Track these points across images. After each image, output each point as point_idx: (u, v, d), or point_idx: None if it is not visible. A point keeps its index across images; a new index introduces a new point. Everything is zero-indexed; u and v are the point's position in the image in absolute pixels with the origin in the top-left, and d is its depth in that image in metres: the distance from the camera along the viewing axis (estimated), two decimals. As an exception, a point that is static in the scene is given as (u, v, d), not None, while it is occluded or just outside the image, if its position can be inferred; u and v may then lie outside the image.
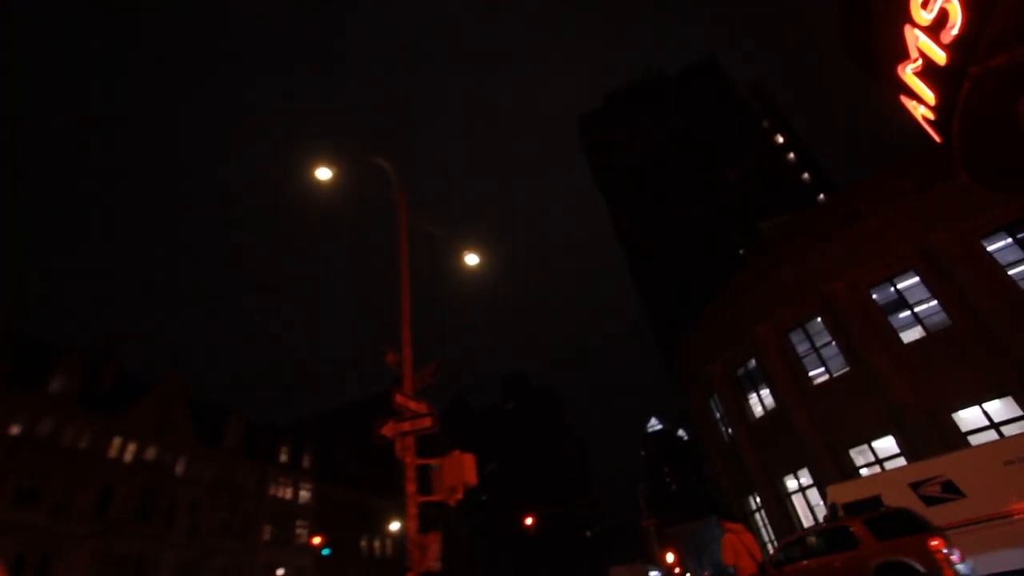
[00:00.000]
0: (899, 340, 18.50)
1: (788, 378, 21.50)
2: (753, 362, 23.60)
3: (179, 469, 39.28)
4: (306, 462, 52.18)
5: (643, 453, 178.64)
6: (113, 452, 35.13)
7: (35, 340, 36.68)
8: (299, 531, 48.28)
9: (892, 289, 19.11)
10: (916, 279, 18.63)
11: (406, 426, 8.58)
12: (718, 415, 27.13)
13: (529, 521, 53.14)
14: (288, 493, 48.72)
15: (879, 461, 18.31)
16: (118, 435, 35.70)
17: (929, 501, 12.23)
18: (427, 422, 8.63)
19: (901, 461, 17.44)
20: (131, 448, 36.36)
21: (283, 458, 49.52)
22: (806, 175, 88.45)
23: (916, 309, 18.44)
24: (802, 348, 21.43)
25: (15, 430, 30.41)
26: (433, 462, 8.87)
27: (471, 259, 11.61)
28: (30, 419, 31.28)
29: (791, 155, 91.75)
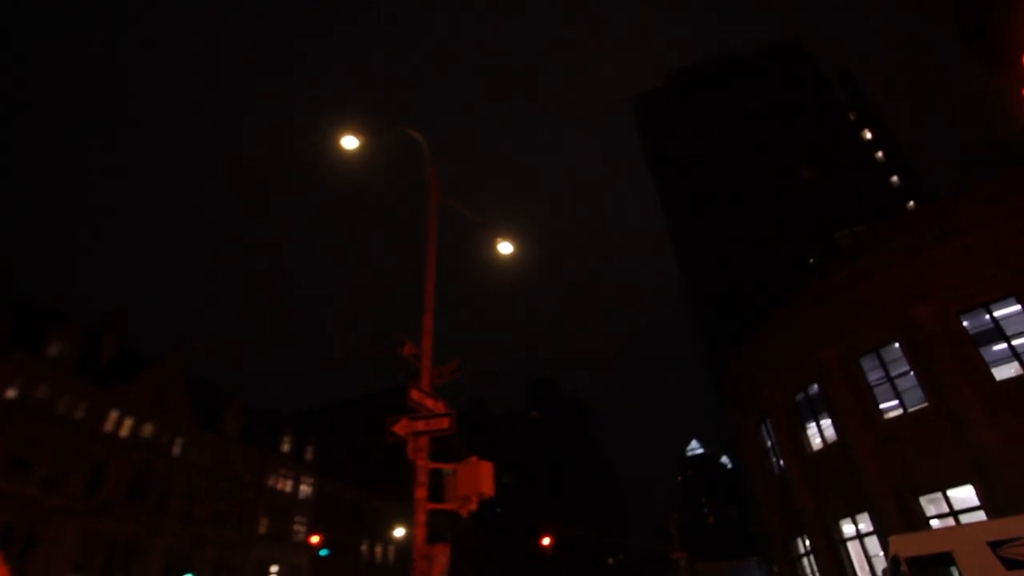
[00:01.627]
0: (991, 376, 17.81)
1: (855, 409, 20.95)
2: (815, 387, 23.07)
3: (176, 451, 40.45)
4: (309, 454, 53.18)
5: (680, 478, 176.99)
6: (109, 426, 36.37)
7: (37, 303, 38.17)
8: (297, 527, 49.29)
9: (987, 317, 18.39)
10: (1017, 307, 17.87)
11: (421, 425, 8.64)
12: (769, 444, 26.65)
13: (547, 541, 53.17)
14: (288, 486, 49.74)
15: (954, 513, 17.71)
16: (115, 409, 36.94)
17: (1011, 564, 11.76)
18: (444, 423, 8.68)
19: (981, 515, 16.83)
20: (127, 424, 37.58)
21: (285, 448, 50.57)
22: (895, 178, 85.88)
23: (1014, 342, 17.71)
24: (874, 376, 20.84)
25: (11, 393, 31.72)
26: (447, 467, 8.91)
27: (505, 248, 11.60)
28: (26, 383, 32.59)
29: (879, 154, 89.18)
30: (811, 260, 77.86)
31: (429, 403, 8.97)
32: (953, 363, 18.45)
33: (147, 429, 38.76)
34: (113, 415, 36.88)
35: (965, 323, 18.74)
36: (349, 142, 10.96)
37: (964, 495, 17.78)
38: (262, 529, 45.74)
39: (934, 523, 17.98)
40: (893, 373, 20.29)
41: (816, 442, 23.37)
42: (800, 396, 24.21)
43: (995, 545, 12.25)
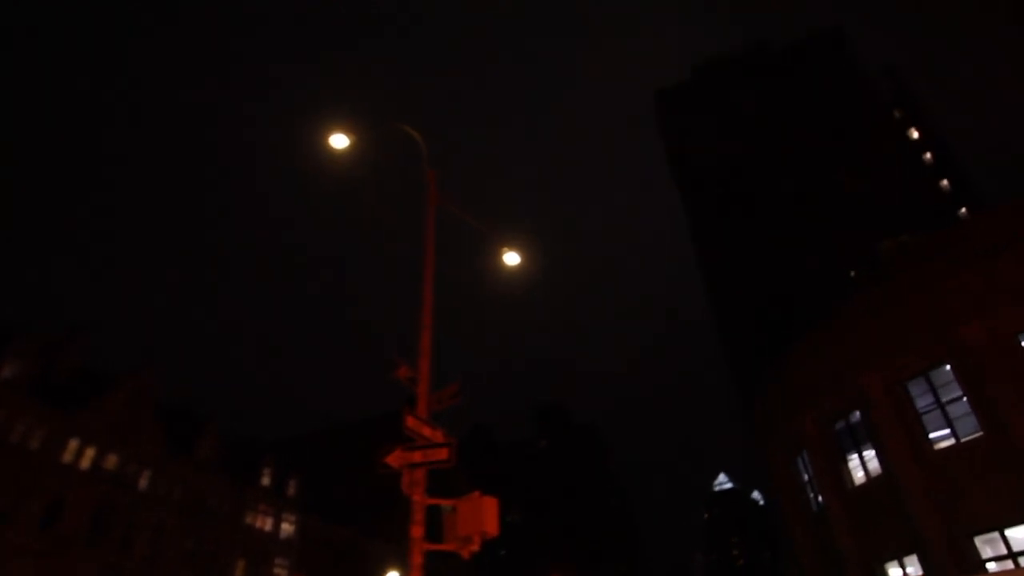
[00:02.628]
0: (1052, 403, 17.73)
1: (902, 439, 20.85)
2: (857, 415, 22.98)
3: (142, 483, 40.46)
4: (292, 488, 53.07)
5: (706, 516, 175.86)
6: (68, 456, 36.42)
7: (-9, 315, 38.41)
8: (278, 570, 49.12)
9: (1048, 337, 18.34)
10: (1081, 326, 17.84)
11: (417, 456, 8.60)
12: (806, 477, 26.52)
13: (557, 587, 52.74)
14: (268, 523, 49.62)
15: (1013, 555, 17.57)
16: (75, 436, 36.99)
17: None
18: (442, 454, 8.63)
19: (1043, 559, 16.70)
20: (89, 453, 37.63)
21: (265, 481, 50.49)
22: (945, 182, 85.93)
23: (1078, 365, 17.65)
24: (923, 403, 20.75)
25: (-41, 419, 31.83)
26: (446, 503, 8.91)
27: (511, 258, 11.66)
28: (-23, 407, 32.71)
29: (927, 156, 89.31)
30: (852, 273, 77.77)
31: (426, 431, 8.95)
32: (1011, 388, 18.37)
33: (111, 460, 38.80)
34: (73, 444, 36.93)
35: (1024, 344, 18.68)
36: (338, 141, 11.04)
37: (1025, 536, 17.67)
38: (238, 572, 45.58)
39: (991, 566, 17.84)
40: (944, 399, 20.19)
41: (858, 476, 23.23)
42: (840, 425, 24.10)
43: (1060, 593, 12.18)
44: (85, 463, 37.36)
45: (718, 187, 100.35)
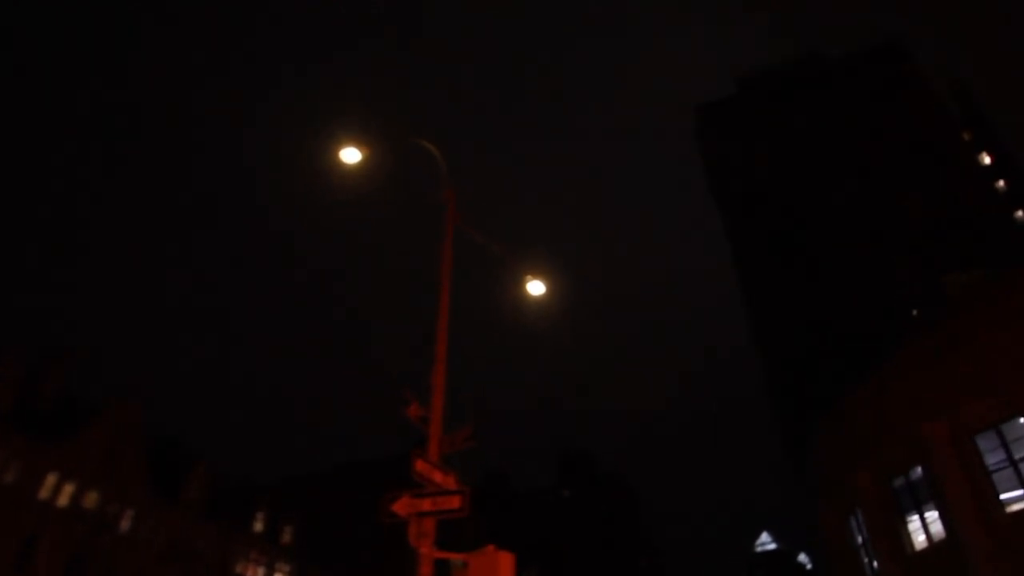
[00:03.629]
0: None
1: (969, 499, 20.50)
2: (919, 470, 22.66)
3: (124, 525, 40.64)
4: (287, 535, 53.02)
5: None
6: (44, 492, 36.71)
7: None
8: (267, 627, 48.89)
9: None
10: None
11: (426, 504, 8.52)
12: (860, 540, 26.15)
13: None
14: (260, 573, 49.53)
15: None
16: (53, 471, 37.31)
17: None
18: (454, 502, 8.55)
19: None
20: (67, 490, 37.90)
21: (258, 527, 50.50)
22: (1020, 213, 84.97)
23: None
24: (993, 459, 20.42)
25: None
26: (457, 557, 8.82)
27: (535, 287, 11.71)
28: (-50, 436, 33.16)
29: (1000, 183, 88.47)
30: (914, 311, 76.84)
31: (437, 477, 8.88)
32: (1094, 445, 18.06)
33: (90, 498, 39.05)
34: (51, 479, 37.23)
35: (1109, 395, 18.39)
36: (350, 155, 11.15)
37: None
38: (224, 627, 45.43)
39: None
40: (1018, 455, 19.87)
41: (919, 539, 22.86)
42: (900, 481, 23.77)
43: None
44: (63, 500, 37.62)
45: (764, 211, 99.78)
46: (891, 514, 24.11)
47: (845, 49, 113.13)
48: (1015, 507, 19.70)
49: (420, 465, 8.82)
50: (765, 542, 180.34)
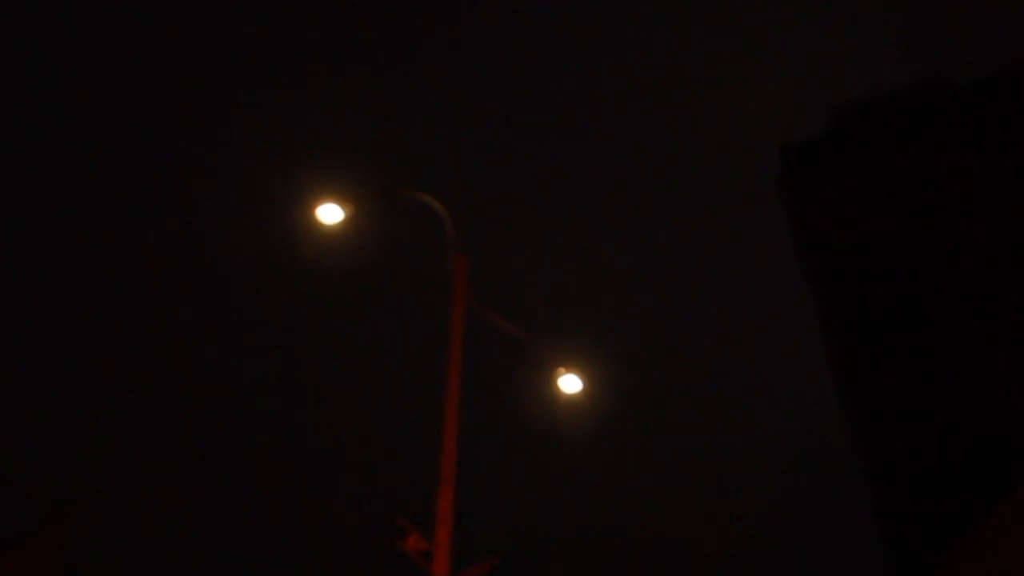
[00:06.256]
0: None
1: None
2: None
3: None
4: None
5: None
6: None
7: None
8: None
9: None
10: None
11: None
12: None
13: None
14: None
15: None
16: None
17: None
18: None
19: None
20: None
21: None
22: None
23: None
24: None
25: None
26: None
27: (570, 383, 10.20)
28: None
29: None
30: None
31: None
32: None
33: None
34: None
35: None
36: (330, 213, 10.08)
37: None
38: None
39: None
40: None
41: None
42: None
43: None
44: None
45: (868, 289, 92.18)
46: None
47: (976, 71, 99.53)
48: None
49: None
50: None
